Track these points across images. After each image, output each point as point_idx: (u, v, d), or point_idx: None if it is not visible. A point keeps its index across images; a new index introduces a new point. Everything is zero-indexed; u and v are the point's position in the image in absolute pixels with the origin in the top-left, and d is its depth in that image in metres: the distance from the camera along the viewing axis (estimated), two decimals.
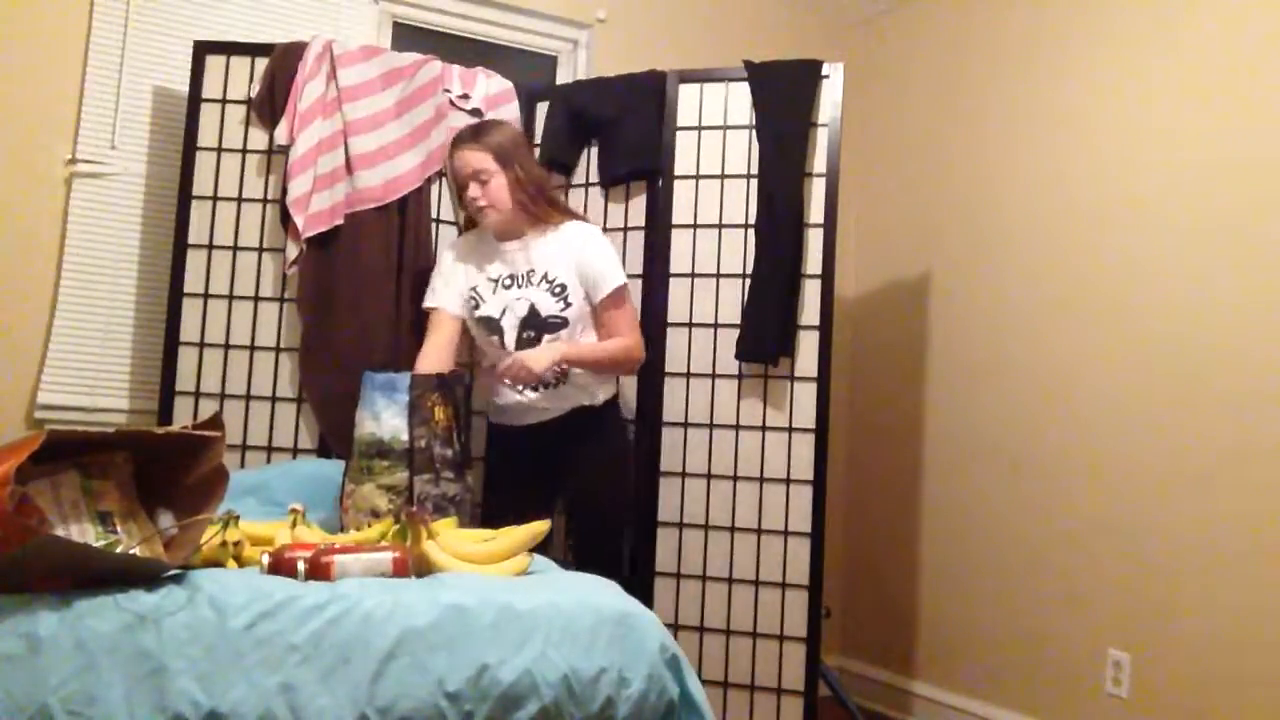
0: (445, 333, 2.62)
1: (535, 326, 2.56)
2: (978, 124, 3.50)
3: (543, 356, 2.46)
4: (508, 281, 2.59)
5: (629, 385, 2.96)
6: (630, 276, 2.80)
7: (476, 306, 2.61)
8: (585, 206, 3.05)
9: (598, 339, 2.62)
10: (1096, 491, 2.95)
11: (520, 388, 2.57)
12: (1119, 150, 2.98)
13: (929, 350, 3.63)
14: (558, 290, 2.55)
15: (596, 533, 2.70)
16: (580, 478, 2.66)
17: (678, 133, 3.03)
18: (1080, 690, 2.95)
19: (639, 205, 3.04)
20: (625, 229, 3.04)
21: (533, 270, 2.57)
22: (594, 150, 3.09)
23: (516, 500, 2.58)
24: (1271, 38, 2.61)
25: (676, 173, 3.03)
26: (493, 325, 2.59)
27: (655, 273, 3.00)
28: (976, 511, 3.36)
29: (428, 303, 2.67)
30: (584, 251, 2.57)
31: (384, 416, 2.20)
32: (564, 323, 2.55)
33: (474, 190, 2.54)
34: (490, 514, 2.64)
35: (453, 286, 2.64)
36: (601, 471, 2.67)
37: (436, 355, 2.56)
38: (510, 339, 2.57)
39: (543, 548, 2.36)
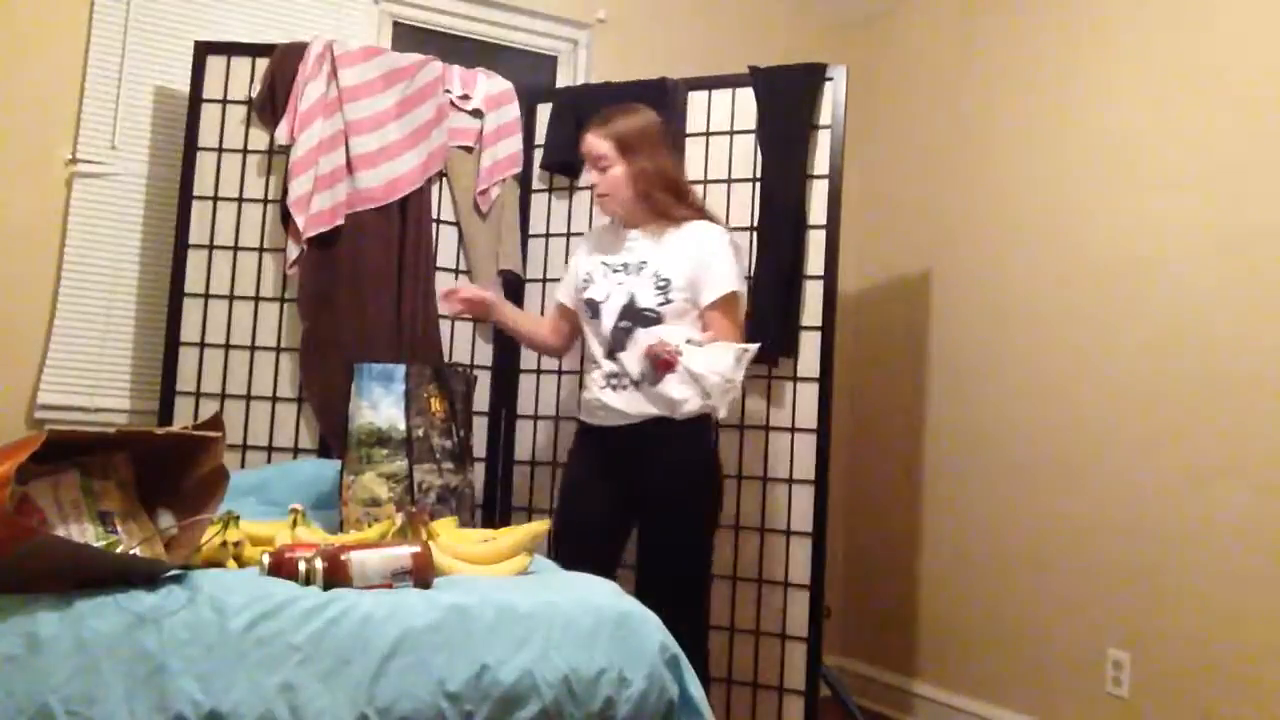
0: (553, 315, 2.71)
1: (631, 317, 2.45)
2: (979, 124, 3.50)
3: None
4: (619, 268, 2.52)
5: None
6: None
7: (586, 288, 2.55)
8: (592, 210, 3.04)
9: None
10: (1096, 491, 2.95)
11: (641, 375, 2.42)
12: (1121, 150, 2.98)
13: (929, 350, 3.63)
14: (661, 284, 2.45)
15: (665, 549, 2.48)
16: (654, 488, 2.45)
17: (687, 139, 3.04)
18: (1080, 690, 2.94)
19: None
20: None
21: (645, 263, 2.48)
22: None
23: (587, 503, 2.50)
24: (1272, 42, 2.61)
25: (687, 178, 3.02)
26: (594, 308, 2.51)
27: None
28: (976, 511, 3.36)
29: (557, 297, 2.72)
30: (700, 251, 2.46)
31: (381, 405, 2.20)
32: (658, 318, 2.44)
33: (593, 176, 2.51)
34: (566, 519, 2.52)
35: (572, 277, 2.64)
36: (677, 483, 2.45)
37: (546, 324, 2.72)
38: (608, 325, 2.48)
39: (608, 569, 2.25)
